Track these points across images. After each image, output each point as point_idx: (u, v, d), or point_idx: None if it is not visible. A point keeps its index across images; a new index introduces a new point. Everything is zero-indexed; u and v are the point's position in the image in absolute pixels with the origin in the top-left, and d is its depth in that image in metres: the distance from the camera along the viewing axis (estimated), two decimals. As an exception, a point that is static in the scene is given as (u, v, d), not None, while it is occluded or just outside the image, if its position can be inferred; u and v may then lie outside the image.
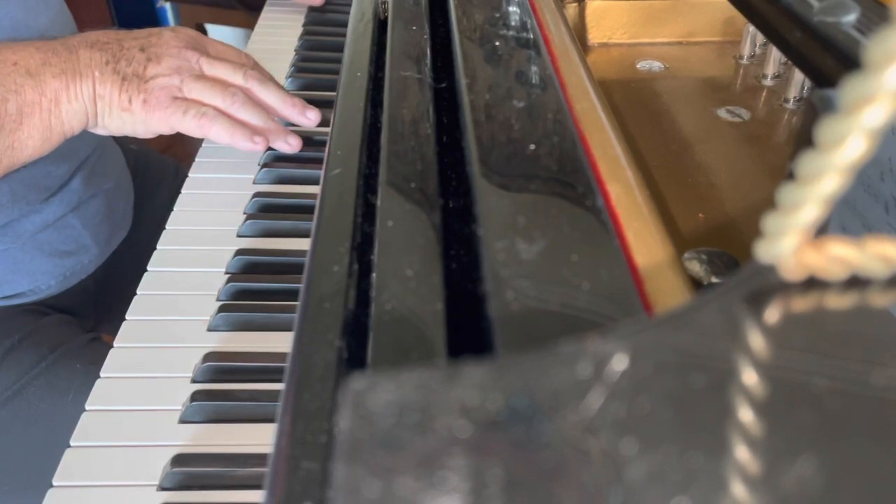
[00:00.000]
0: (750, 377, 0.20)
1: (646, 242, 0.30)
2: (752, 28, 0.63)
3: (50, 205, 0.70)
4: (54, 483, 0.43)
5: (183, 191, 0.65)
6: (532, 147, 0.35)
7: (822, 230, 0.22)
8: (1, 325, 0.67)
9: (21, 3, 0.64)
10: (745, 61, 0.64)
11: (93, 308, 0.79)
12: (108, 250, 0.78)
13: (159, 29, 0.65)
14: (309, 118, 0.66)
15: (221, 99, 0.61)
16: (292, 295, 0.54)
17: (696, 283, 0.36)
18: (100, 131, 0.62)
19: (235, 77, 0.64)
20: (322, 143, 0.67)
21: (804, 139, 0.34)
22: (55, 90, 0.58)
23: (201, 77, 0.62)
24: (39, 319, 0.70)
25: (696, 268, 0.36)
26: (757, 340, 0.21)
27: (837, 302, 0.22)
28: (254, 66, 0.67)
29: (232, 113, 0.62)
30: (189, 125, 0.60)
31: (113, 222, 0.78)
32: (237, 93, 0.62)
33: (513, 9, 0.49)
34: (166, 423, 0.46)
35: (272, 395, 0.47)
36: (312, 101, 0.77)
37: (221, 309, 0.53)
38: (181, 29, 0.66)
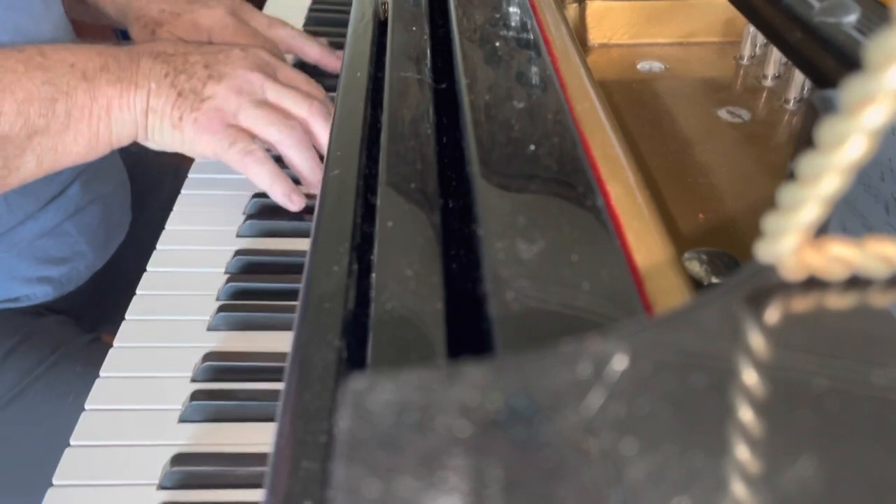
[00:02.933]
0: (750, 377, 0.20)
1: (646, 242, 0.30)
2: (752, 28, 0.63)
3: (46, 212, 0.69)
4: (54, 482, 0.43)
5: (183, 191, 0.65)
6: (532, 147, 0.35)
7: (823, 230, 0.22)
8: None
9: (27, 11, 0.64)
10: (745, 62, 0.64)
11: (92, 308, 0.79)
12: (105, 255, 0.78)
13: (230, 46, 0.62)
14: None
15: (277, 131, 0.58)
16: (292, 295, 0.54)
17: (696, 283, 0.36)
18: (150, 145, 0.60)
19: (300, 108, 0.60)
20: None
21: (804, 140, 0.34)
22: (108, 97, 0.56)
23: (262, 104, 0.58)
24: (38, 320, 0.69)
25: (696, 268, 0.36)
26: (757, 340, 0.21)
27: (837, 302, 0.22)
28: (323, 99, 0.63)
29: (283, 149, 0.59)
30: (233, 158, 0.58)
31: (110, 227, 0.78)
32: (295, 127, 0.59)
33: (513, 9, 0.49)
34: (166, 423, 0.46)
35: (272, 395, 0.47)
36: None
37: (221, 309, 0.53)
38: (253, 49, 0.63)
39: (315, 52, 0.76)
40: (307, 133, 0.61)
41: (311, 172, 0.60)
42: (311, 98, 0.61)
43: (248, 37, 0.70)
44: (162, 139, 0.59)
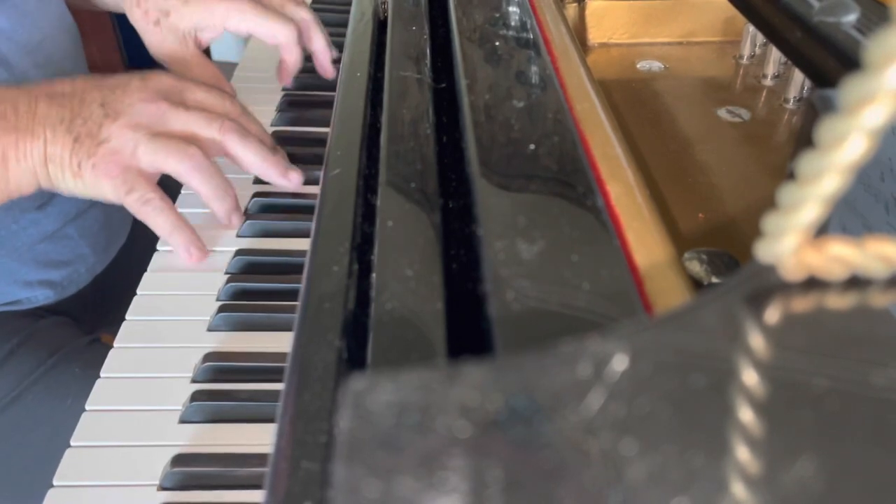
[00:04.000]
0: (750, 377, 0.20)
1: (646, 242, 0.30)
2: (752, 28, 0.63)
3: (48, 216, 0.69)
4: (54, 483, 0.43)
5: (182, 191, 0.65)
6: (532, 147, 0.35)
7: (822, 230, 0.22)
8: None
9: (16, 11, 0.63)
10: (745, 61, 0.64)
11: (92, 310, 0.79)
12: (106, 259, 0.77)
13: (129, 77, 0.58)
14: (291, 180, 0.60)
15: (176, 161, 0.54)
16: (292, 295, 0.54)
17: (696, 283, 0.36)
18: (62, 192, 0.56)
19: (209, 130, 0.56)
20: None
21: (804, 139, 0.34)
22: (4, 147, 0.52)
23: (159, 135, 0.54)
24: (37, 322, 0.69)
25: (696, 268, 0.36)
26: (757, 341, 0.21)
27: (837, 302, 0.22)
28: (239, 115, 0.60)
29: (185, 179, 0.55)
30: (131, 206, 0.55)
31: (110, 231, 0.78)
32: (194, 155, 0.55)
33: (513, 9, 0.49)
34: (166, 423, 0.46)
35: (272, 396, 0.47)
36: (312, 101, 0.77)
37: (221, 309, 0.53)
38: (154, 76, 0.58)
39: (320, 45, 0.74)
40: (226, 154, 0.58)
41: (217, 200, 0.57)
42: (220, 118, 0.57)
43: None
44: (67, 187, 0.55)
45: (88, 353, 0.67)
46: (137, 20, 0.68)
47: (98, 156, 0.53)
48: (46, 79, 0.57)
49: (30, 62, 0.66)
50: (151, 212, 0.55)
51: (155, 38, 0.67)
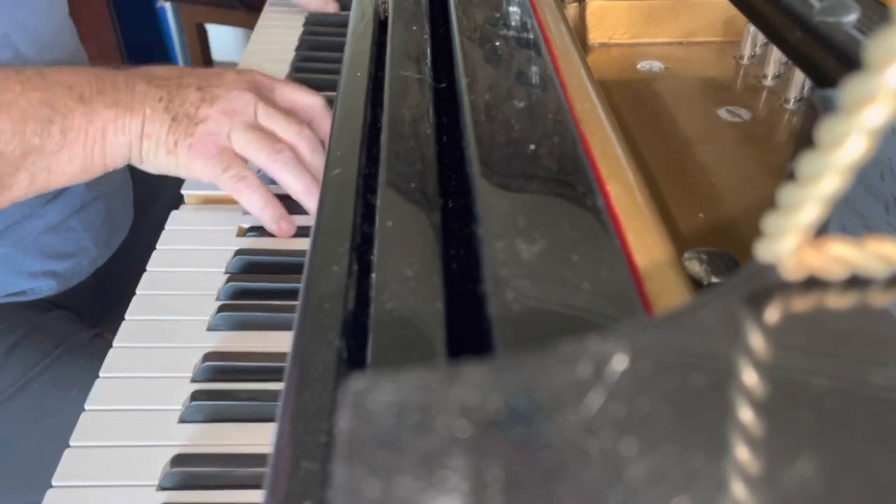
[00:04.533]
0: (750, 377, 0.20)
1: (646, 242, 0.30)
2: (752, 28, 0.63)
3: (52, 208, 0.70)
4: (53, 483, 0.43)
5: (183, 190, 0.65)
6: (532, 147, 0.35)
7: (822, 230, 0.22)
8: (4, 321, 0.67)
9: (30, 10, 0.64)
10: (745, 61, 0.64)
11: (95, 306, 0.79)
12: (108, 252, 0.78)
13: (224, 70, 0.62)
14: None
15: (265, 155, 0.58)
16: (292, 295, 0.54)
17: (696, 283, 0.36)
18: (145, 168, 0.60)
19: (288, 132, 0.60)
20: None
21: (804, 139, 0.34)
22: (104, 120, 0.56)
23: (251, 127, 0.58)
24: (43, 315, 0.70)
25: (696, 268, 0.36)
26: (757, 340, 0.21)
27: (837, 302, 0.22)
28: (321, 109, 0.64)
29: (273, 173, 0.58)
30: (226, 183, 0.58)
31: (112, 224, 0.79)
32: (282, 150, 0.58)
33: (513, 9, 0.49)
34: (166, 423, 0.46)
35: (272, 395, 0.47)
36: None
37: (221, 309, 0.53)
38: (249, 71, 0.63)
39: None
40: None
41: (305, 193, 0.59)
42: (300, 125, 0.61)
43: None
44: (157, 163, 0.59)
45: (93, 346, 0.67)
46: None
47: (195, 136, 0.57)
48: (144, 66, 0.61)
49: (42, 61, 0.67)
50: (246, 188, 0.58)
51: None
